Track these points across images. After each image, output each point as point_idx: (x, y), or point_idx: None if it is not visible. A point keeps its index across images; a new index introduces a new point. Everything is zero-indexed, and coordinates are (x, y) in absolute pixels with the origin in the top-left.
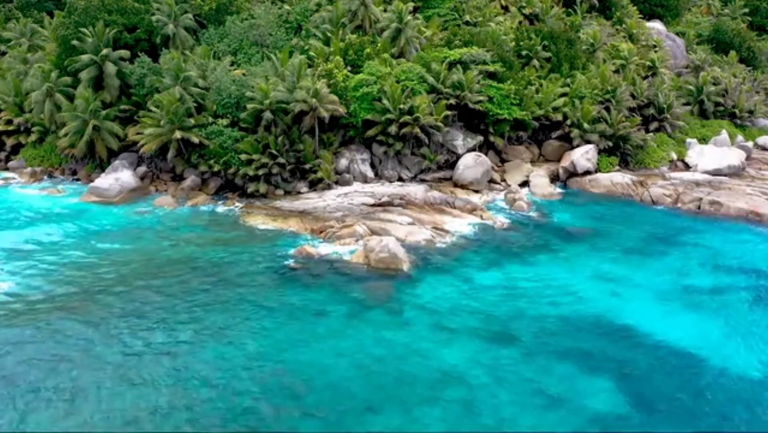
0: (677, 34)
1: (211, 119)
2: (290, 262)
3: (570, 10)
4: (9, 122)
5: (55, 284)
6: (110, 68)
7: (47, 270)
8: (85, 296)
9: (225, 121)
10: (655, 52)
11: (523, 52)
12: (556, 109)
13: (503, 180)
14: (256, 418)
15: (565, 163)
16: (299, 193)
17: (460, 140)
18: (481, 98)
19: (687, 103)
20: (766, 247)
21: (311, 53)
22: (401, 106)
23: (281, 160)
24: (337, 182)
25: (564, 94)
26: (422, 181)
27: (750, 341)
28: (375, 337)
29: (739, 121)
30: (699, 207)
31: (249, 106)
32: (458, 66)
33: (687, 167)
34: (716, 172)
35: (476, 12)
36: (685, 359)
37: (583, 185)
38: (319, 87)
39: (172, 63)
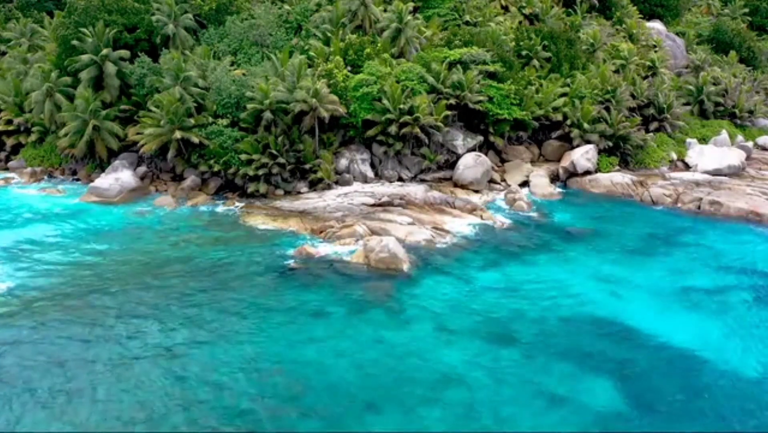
0: (677, 34)
1: (211, 119)
2: (290, 262)
3: (570, 10)
4: (9, 122)
5: (54, 283)
6: (110, 68)
7: (46, 270)
8: (85, 296)
9: (225, 121)
10: (655, 52)
11: (523, 52)
12: (556, 109)
13: (503, 180)
14: (255, 418)
15: (565, 163)
16: (299, 193)
17: (460, 140)
18: (481, 98)
19: (687, 103)
20: (766, 247)
21: (311, 53)
22: (401, 106)
23: (281, 160)
24: (337, 182)
25: (564, 94)
26: (422, 181)
27: (750, 341)
28: (375, 337)
29: (739, 121)
30: (699, 207)
31: (249, 106)
32: (458, 66)
33: (687, 167)
34: (716, 172)
35: (476, 12)
36: (685, 359)
37: (583, 185)
38: (319, 87)
39: (172, 63)
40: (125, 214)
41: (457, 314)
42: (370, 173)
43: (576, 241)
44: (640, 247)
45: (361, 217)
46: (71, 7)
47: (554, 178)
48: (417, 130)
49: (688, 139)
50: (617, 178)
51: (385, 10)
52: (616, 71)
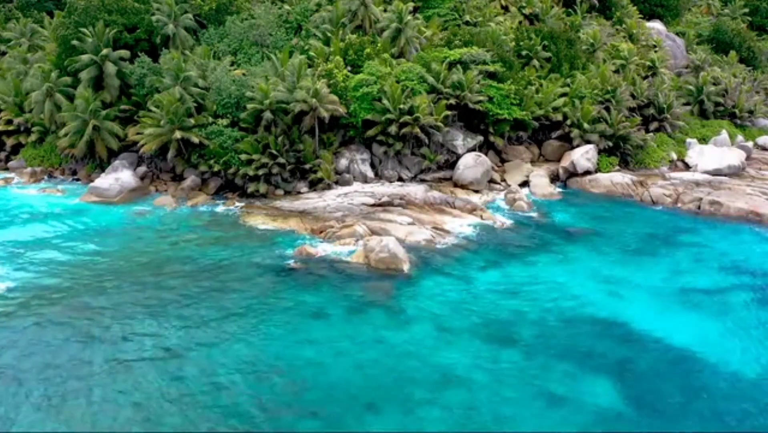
0: (677, 34)
1: (211, 119)
2: (290, 262)
3: (570, 10)
4: (9, 122)
5: (54, 283)
6: (110, 68)
7: (46, 270)
8: (84, 296)
9: (225, 121)
10: (655, 52)
11: (523, 52)
12: (556, 109)
13: (503, 180)
14: (254, 418)
15: (565, 163)
16: (299, 193)
17: (460, 140)
18: (481, 98)
19: (687, 103)
20: (766, 247)
21: (311, 53)
22: (401, 106)
23: (281, 160)
24: (337, 182)
25: (564, 94)
26: (422, 181)
27: (750, 341)
28: (375, 337)
29: (739, 121)
30: (699, 207)
31: (249, 106)
32: (458, 66)
33: (687, 167)
34: (716, 172)
35: (476, 12)
36: (685, 359)
37: (583, 185)
38: (319, 87)
39: (172, 63)
40: (125, 214)
41: (457, 314)
42: (370, 173)
43: (576, 241)
44: (640, 247)
45: (361, 217)
46: (71, 7)
47: (554, 178)
48: (417, 130)
49: (688, 139)
50: (617, 178)
51: (385, 10)
52: (616, 71)
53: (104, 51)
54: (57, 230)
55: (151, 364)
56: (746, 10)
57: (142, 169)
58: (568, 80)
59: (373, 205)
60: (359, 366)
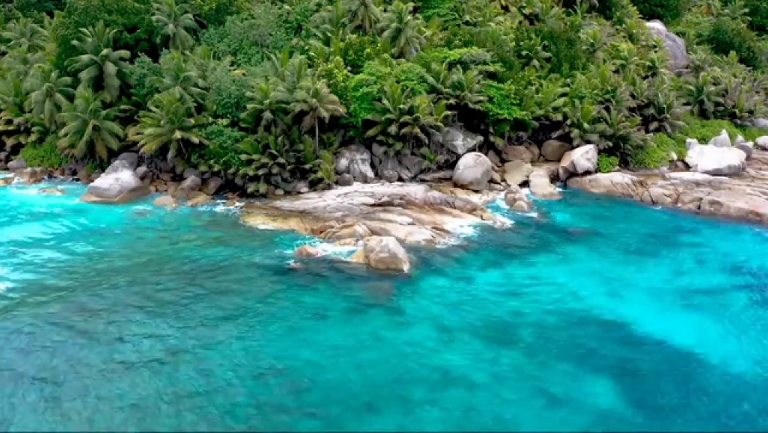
0: (677, 34)
1: (211, 119)
2: (290, 262)
3: (570, 10)
4: (9, 122)
5: (53, 283)
6: (110, 68)
7: (45, 270)
8: (84, 296)
9: (225, 121)
10: (655, 52)
11: (523, 52)
12: (556, 109)
13: (503, 180)
14: (254, 418)
15: (565, 163)
16: (299, 193)
17: (460, 140)
18: (481, 98)
19: (687, 103)
20: (766, 247)
21: (311, 53)
22: (401, 106)
23: (281, 160)
24: (337, 182)
25: (564, 94)
26: (422, 181)
27: (750, 341)
28: (375, 337)
29: (739, 121)
30: (699, 207)
31: (249, 106)
32: (458, 66)
33: (687, 167)
34: (716, 172)
35: (476, 12)
36: (685, 359)
37: (583, 185)
38: (319, 87)
39: (172, 63)
40: (125, 214)
41: (456, 314)
42: (370, 173)
43: (576, 241)
44: (640, 247)
45: (361, 217)
46: (71, 7)
47: (554, 178)
48: (417, 130)
49: (688, 139)
50: (617, 178)
51: (385, 10)
52: (616, 71)
53: (104, 51)
54: (57, 230)
55: (149, 364)
56: (746, 10)
57: (142, 169)
58: (568, 80)
59: (373, 205)
60: (359, 366)
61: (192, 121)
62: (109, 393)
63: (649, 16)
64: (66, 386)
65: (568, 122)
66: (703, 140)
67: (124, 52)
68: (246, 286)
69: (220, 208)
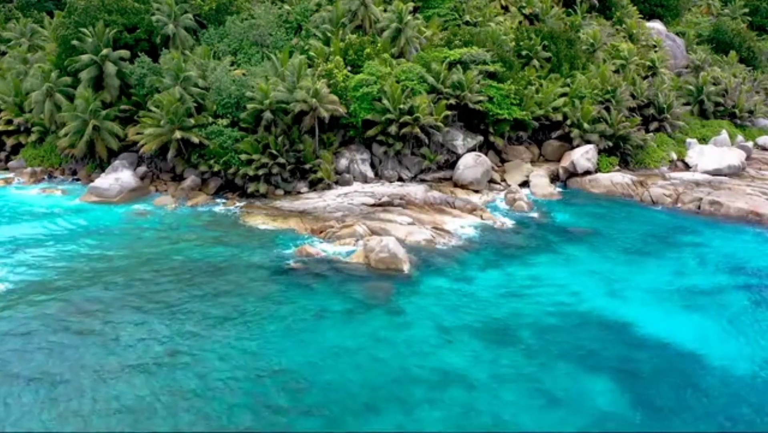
0: (677, 34)
1: (211, 119)
2: (290, 262)
3: (570, 10)
4: (9, 122)
5: (53, 284)
6: (110, 68)
7: (45, 270)
8: (83, 296)
9: (225, 121)
10: (655, 52)
11: (523, 52)
12: (556, 109)
13: (503, 180)
14: (254, 418)
15: (565, 163)
16: (299, 193)
17: (460, 140)
18: (481, 98)
19: (687, 103)
20: (766, 247)
21: (311, 53)
22: (401, 106)
23: (281, 160)
24: (337, 182)
25: (564, 94)
26: (422, 181)
27: (750, 341)
28: (375, 337)
29: (739, 121)
30: (699, 207)
31: (249, 106)
32: (458, 66)
33: (687, 167)
34: (716, 172)
35: (476, 12)
36: (685, 358)
37: (583, 185)
38: (319, 87)
39: (172, 63)
40: (125, 214)
41: (456, 315)
42: (370, 173)
43: (576, 241)
44: (640, 247)
45: (361, 217)
46: (71, 7)
47: (554, 178)
48: (417, 130)
49: (688, 139)
50: (617, 178)
51: (385, 10)
52: (616, 71)
53: (104, 51)
54: (56, 230)
55: (148, 364)
56: (746, 10)
57: (142, 169)
58: (568, 80)
59: (373, 205)
60: (359, 366)
61: (192, 121)
62: (107, 394)
63: (649, 16)
64: (62, 386)
65: (568, 122)
66: (703, 140)
67: (124, 52)
68: (246, 286)
69: (220, 209)
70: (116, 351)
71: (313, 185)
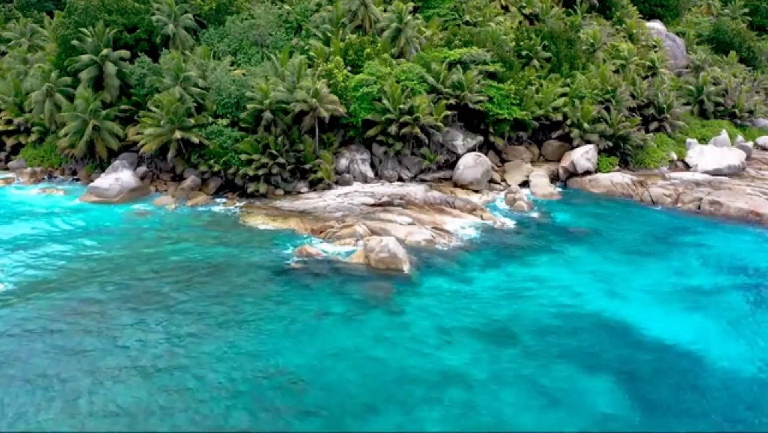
0: (677, 34)
1: (211, 119)
2: (290, 262)
3: (570, 10)
4: (9, 122)
5: (52, 284)
6: (110, 68)
7: (44, 270)
8: (83, 295)
9: (225, 121)
10: (655, 52)
11: (523, 52)
12: (556, 109)
13: (503, 180)
14: (254, 418)
15: (565, 163)
16: (299, 193)
17: (460, 140)
18: (481, 98)
19: (687, 103)
20: (766, 247)
21: (311, 53)
22: (401, 106)
23: (281, 160)
24: (337, 182)
25: (564, 94)
26: (422, 181)
27: (750, 341)
28: (375, 337)
29: (739, 121)
30: (699, 207)
31: (249, 106)
32: (458, 66)
33: (687, 167)
34: (716, 172)
35: (476, 12)
36: (685, 358)
37: (583, 185)
38: (319, 87)
39: (172, 63)
40: (125, 214)
41: (457, 315)
42: (370, 173)
43: (576, 241)
44: (640, 247)
45: (361, 217)
46: (71, 7)
47: (554, 178)
48: (417, 130)
49: (688, 139)
50: (617, 178)
51: (385, 10)
52: (616, 71)
53: (104, 51)
54: (56, 230)
55: (147, 364)
56: (746, 10)
57: (142, 169)
58: (568, 80)
59: (373, 205)
60: (359, 366)
61: (192, 121)
62: (105, 394)
63: (649, 16)
64: (59, 387)
65: (568, 122)
66: (703, 140)
67: (124, 52)
68: (245, 286)
69: (220, 209)
70: (114, 351)
71: (313, 185)
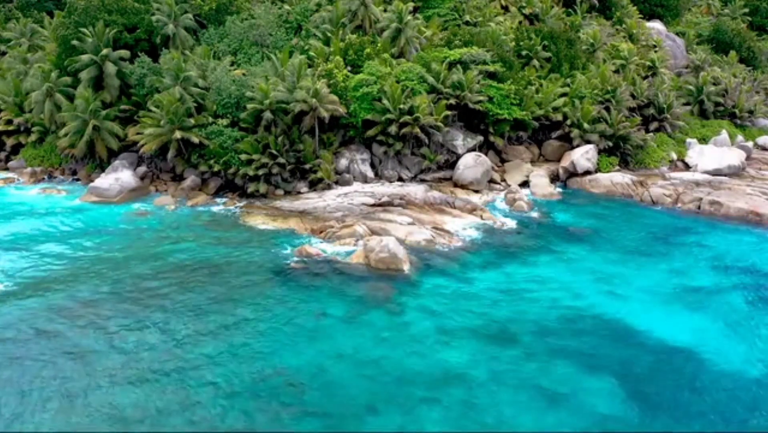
0: (677, 34)
1: (211, 119)
2: (290, 262)
3: (570, 10)
4: (9, 122)
5: (52, 284)
6: (110, 68)
7: (44, 270)
8: (82, 295)
9: (225, 121)
10: (655, 52)
11: (523, 52)
12: (556, 109)
13: (503, 180)
14: (255, 418)
15: (565, 163)
16: (299, 193)
17: (460, 140)
18: (481, 98)
19: (687, 103)
20: (766, 247)
21: (311, 53)
22: (401, 106)
23: (281, 160)
24: (337, 182)
25: (564, 94)
26: (422, 181)
27: (750, 341)
28: (375, 337)
29: (739, 121)
30: (699, 207)
31: (249, 106)
32: (458, 66)
33: (687, 167)
34: (716, 172)
35: (476, 12)
36: (686, 359)
37: (583, 185)
38: (319, 87)
39: (172, 63)
40: (125, 214)
41: (457, 315)
42: (370, 173)
43: (576, 241)
44: (640, 247)
45: (361, 217)
46: (71, 7)
47: (554, 178)
48: (417, 130)
49: (688, 139)
50: (617, 178)
51: (385, 10)
52: (616, 71)
53: (104, 51)
54: (56, 230)
55: (149, 363)
56: (746, 10)
57: (142, 169)
58: (568, 80)
59: (373, 205)
60: (359, 366)
61: (192, 121)
62: (108, 391)
63: (649, 16)
64: (57, 388)
65: (568, 122)
66: (703, 140)
67: (124, 52)
68: (245, 286)
69: (219, 208)
70: (112, 351)
71: (313, 185)
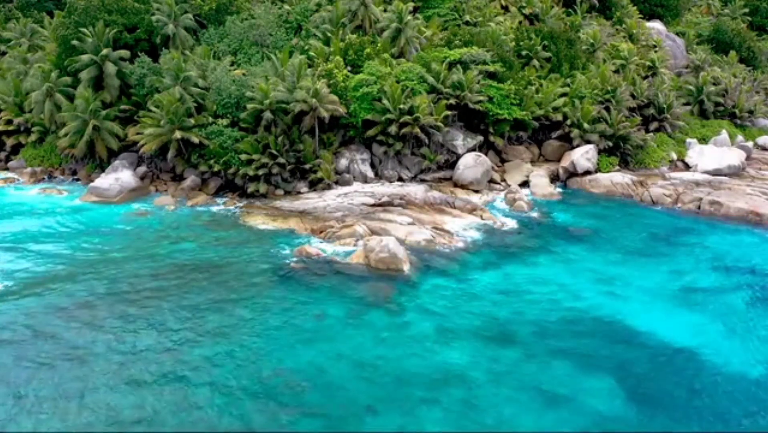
0: (677, 34)
1: (211, 119)
2: (290, 262)
3: (570, 10)
4: (9, 122)
5: (51, 284)
6: (110, 68)
7: (43, 270)
8: (82, 296)
9: (225, 121)
10: (655, 52)
11: (523, 52)
12: (556, 109)
13: (503, 180)
14: (255, 418)
15: (565, 163)
16: (299, 193)
17: (460, 140)
18: (481, 98)
19: (687, 103)
20: (766, 247)
21: (311, 53)
22: (401, 106)
23: (281, 160)
24: (337, 182)
25: (564, 94)
26: (422, 181)
27: (750, 341)
28: (375, 337)
29: (739, 121)
30: (699, 207)
31: (249, 106)
32: (458, 66)
33: (687, 167)
34: (716, 172)
35: (476, 12)
36: (685, 358)
37: (583, 185)
38: (319, 87)
39: (172, 63)
40: (125, 214)
41: (457, 315)
42: (370, 173)
43: (576, 241)
44: (640, 247)
45: (361, 217)
46: (71, 7)
47: (554, 178)
48: (417, 130)
49: (688, 139)
50: (617, 178)
51: (385, 10)
52: (616, 71)
53: (104, 51)
54: (56, 230)
55: (148, 363)
56: (746, 10)
57: (142, 169)
58: (568, 80)
59: (373, 205)
60: (359, 367)
61: (192, 121)
62: (108, 392)
63: (649, 16)
64: (55, 388)
65: (568, 122)
66: (703, 140)
67: (124, 52)
68: (246, 286)
69: (219, 208)
70: (110, 351)
71: (313, 185)
